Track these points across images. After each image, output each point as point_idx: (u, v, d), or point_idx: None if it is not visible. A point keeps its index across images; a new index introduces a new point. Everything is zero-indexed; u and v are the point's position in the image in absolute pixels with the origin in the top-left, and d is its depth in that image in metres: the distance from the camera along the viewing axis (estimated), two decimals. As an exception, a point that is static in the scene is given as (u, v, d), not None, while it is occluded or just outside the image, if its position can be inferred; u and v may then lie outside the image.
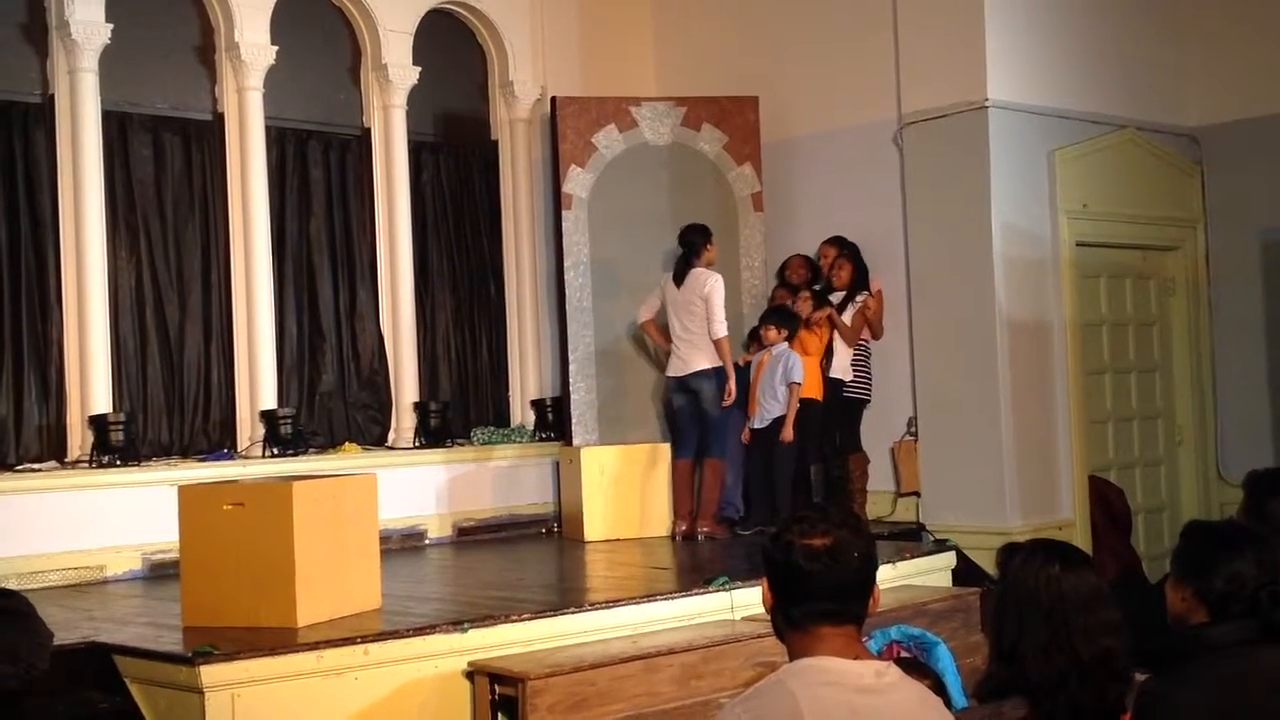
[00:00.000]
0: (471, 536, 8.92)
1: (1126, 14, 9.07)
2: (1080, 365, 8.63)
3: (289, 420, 8.35)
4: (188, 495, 5.89)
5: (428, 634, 5.49)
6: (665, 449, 8.75)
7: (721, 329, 8.23)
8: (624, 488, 8.68)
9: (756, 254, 9.26)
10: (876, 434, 8.73)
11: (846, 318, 8.60)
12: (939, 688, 3.73)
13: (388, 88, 9.11)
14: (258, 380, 8.39)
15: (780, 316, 8.58)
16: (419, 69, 9.21)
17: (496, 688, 5.40)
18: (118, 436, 7.68)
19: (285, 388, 8.61)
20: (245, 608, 5.58)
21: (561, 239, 9.09)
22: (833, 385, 8.60)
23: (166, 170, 8.33)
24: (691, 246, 8.39)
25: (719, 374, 8.28)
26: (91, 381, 7.76)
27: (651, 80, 10.17)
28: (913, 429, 8.63)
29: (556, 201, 9.17)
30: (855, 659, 2.54)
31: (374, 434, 9.06)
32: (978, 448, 8.23)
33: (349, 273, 9.01)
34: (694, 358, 8.32)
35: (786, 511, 7.77)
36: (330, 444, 8.75)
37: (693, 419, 8.47)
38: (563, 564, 8.22)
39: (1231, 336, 9.39)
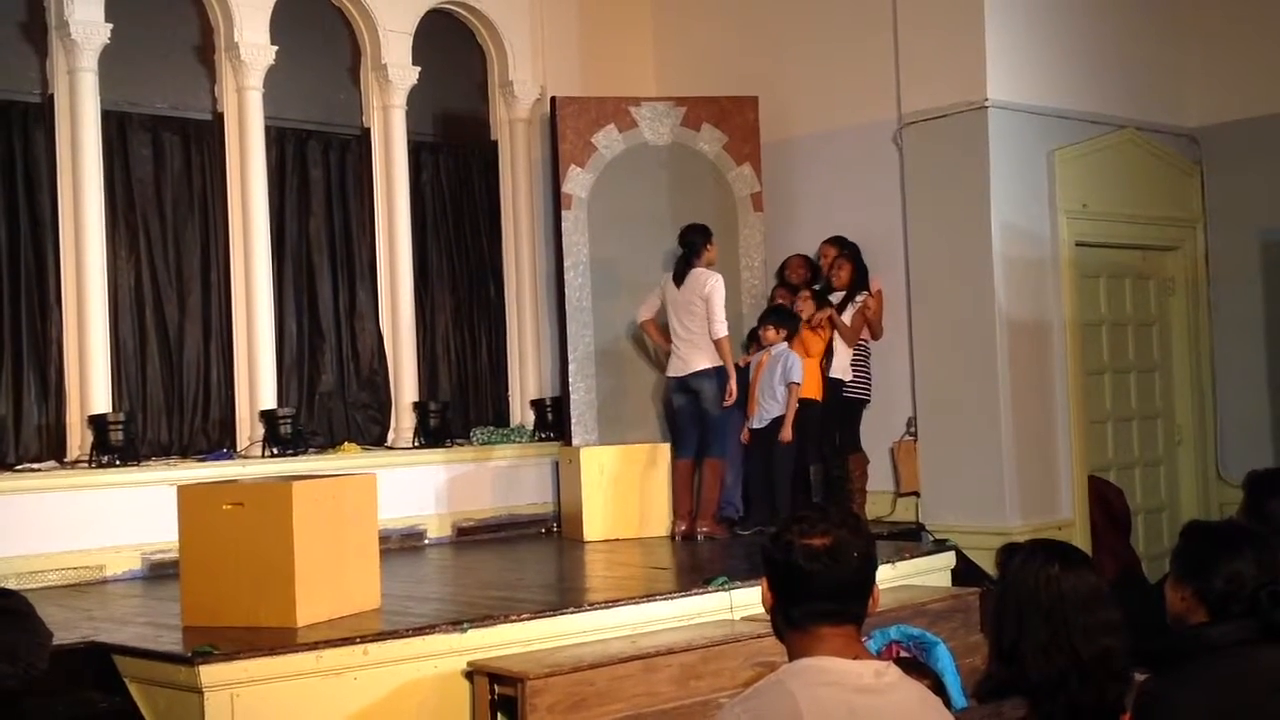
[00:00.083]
0: (471, 536, 8.92)
1: (1126, 14, 9.08)
2: (1080, 365, 8.63)
3: (288, 420, 8.35)
4: (187, 495, 5.89)
5: (427, 634, 5.49)
6: (664, 449, 8.75)
7: (722, 329, 8.23)
8: (623, 488, 8.68)
9: (756, 254, 9.26)
10: (876, 434, 8.74)
11: (846, 318, 8.60)
12: (938, 688, 3.73)
13: (387, 88, 9.11)
14: (257, 380, 8.39)
15: (779, 316, 8.58)
16: (418, 69, 9.21)
17: (496, 688, 5.40)
18: (117, 436, 7.68)
19: (285, 387, 8.61)
20: (245, 608, 5.58)
21: (561, 239, 9.09)
22: (832, 385, 8.60)
23: (166, 170, 8.33)
24: (692, 246, 8.39)
25: (719, 374, 8.28)
26: (91, 381, 7.75)
27: (651, 80, 10.17)
28: (912, 429, 8.63)
29: (556, 201, 9.17)
30: (855, 659, 2.54)
31: (373, 434, 9.06)
32: (977, 448, 8.23)
33: (348, 273, 9.01)
34: (694, 358, 8.32)
35: (786, 511, 7.77)
36: (330, 444, 8.74)
37: (693, 419, 8.47)
38: (562, 564, 8.21)
39: (1231, 336, 9.39)
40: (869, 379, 8.72)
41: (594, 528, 8.61)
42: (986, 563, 7.22)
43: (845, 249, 8.80)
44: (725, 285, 8.35)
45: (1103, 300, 9.14)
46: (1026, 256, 8.38)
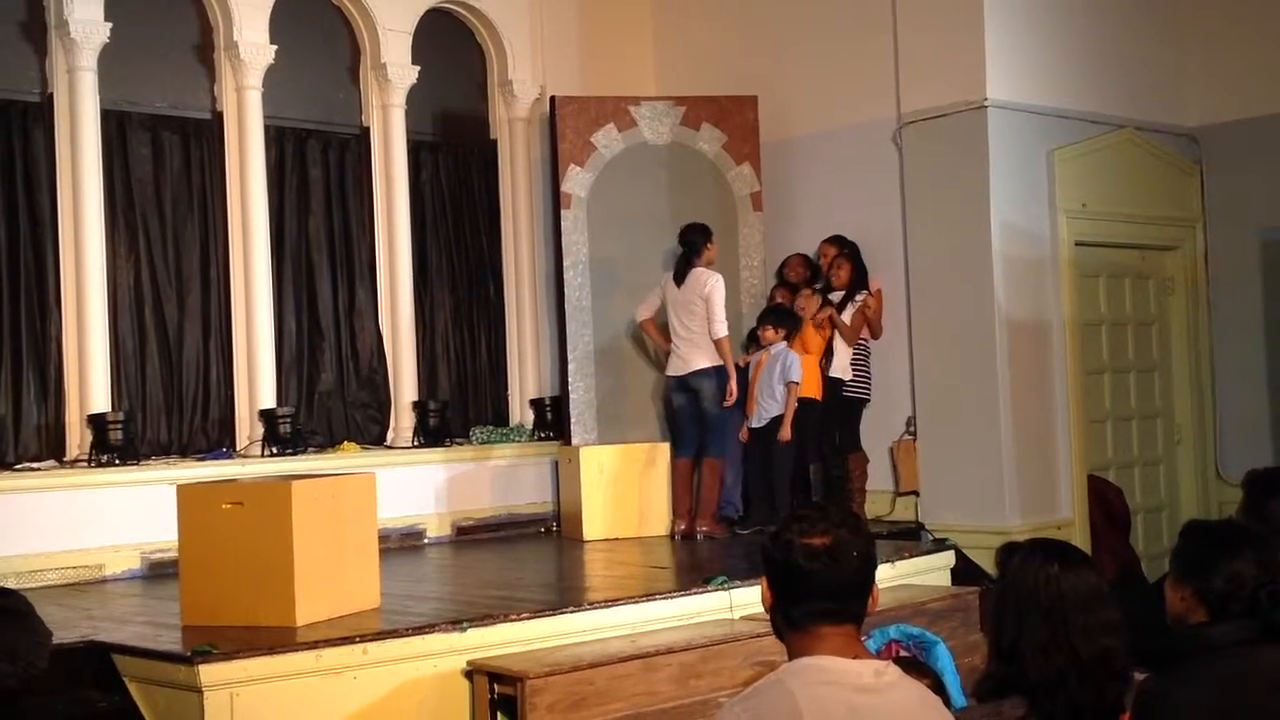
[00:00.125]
0: (470, 536, 8.92)
1: (1126, 14, 9.08)
2: (1079, 365, 8.63)
3: (288, 419, 8.35)
4: (186, 494, 5.89)
5: (427, 633, 5.49)
6: (664, 448, 8.75)
7: (722, 329, 8.23)
8: (623, 487, 8.68)
9: (755, 253, 9.26)
10: (875, 433, 8.73)
11: (846, 317, 8.60)
12: (938, 687, 3.72)
13: (387, 87, 9.11)
14: (256, 379, 8.39)
15: (778, 316, 8.58)
16: (418, 68, 9.21)
17: (495, 687, 5.41)
18: (116, 435, 7.68)
19: (284, 387, 8.61)
20: (244, 607, 5.58)
21: (560, 238, 9.09)
22: (832, 384, 8.60)
23: (165, 169, 8.33)
24: (692, 246, 8.39)
25: (719, 373, 8.28)
26: (90, 380, 7.75)
27: (651, 80, 10.17)
28: (912, 428, 8.63)
29: (555, 201, 9.17)
30: (854, 658, 2.54)
31: (373, 433, 9.06)
32: (977, 447, 8.23)
33: (348, 272, 9.01)
34: (694, 357, 8.32)
35: (785, 511, 7.77)
36: (329, 443, 8.74)
37: (692, 418, 8.46)
38: (562, 563, 8.22)
39: (1230, 336, 9.39)
40: (869, 378, 8.72)
41: (593, 527, 8.61)
42: (986, 562, 7.22)
43: (845, 248, 8.80)
44: (725, 285, 8.35)
45: (1102, 300, 9.14)
46: (1026, 256, 8.38)
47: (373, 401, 9.08)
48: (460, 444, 9.18)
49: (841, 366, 8.62)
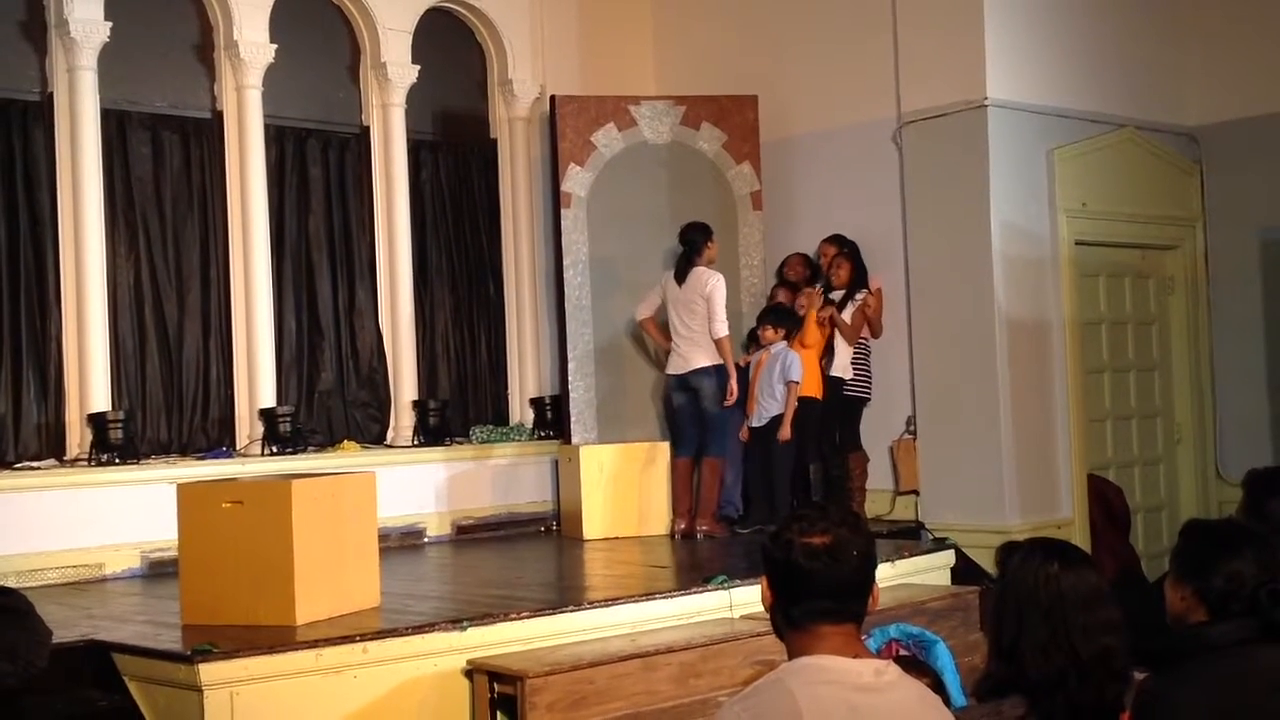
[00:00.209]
0: (470, 535, 8.93)
1: (1126, 13, 9.07)
2: (1079, 364, 8.63)
3: (288, 418, 8.35)
4: (186, 493, 5.89)
5: (427, 632, 5.49)
6: (664, 447, 8.75)
7: (722, 328, 8.23)
8: (623, 486, 8.69)
9: (755, 252, 9.26)
10: (875, 432, 8.74)
11: (846, 316, 8.60)
12: (938, 686, 3.72)
13: (387, 86, 9.10)
14: (256, 378, 8.39)
15: (777, 315, 8.59)
16: (418, 67, 9.20)
17: (495, 686, 5.41)
18: (116, 434, 7.68)
19: (284, 386, 8.61)
20: (244, 606, 5.58)
21: (560, 237, 9.09)
22: (833, 384, 8.60)
23: (165, 168, 8.33)
24: (692, 245, 8.39)
25: (719, 372, 8.28)
26: (90, 379, 7.75)
27: (651, 79, 10.17)
28: (912, 427, 8.63)
29: (555, 200, 9.17)
30: (854, 657, 2.53)
31: (373, 432, 9.06)
32: (977, 446, 8.23)
33: (348, 271, 9.01)
34: (694, 356, 8.32)
35: (785, 510, 7.77)
36: (329, 442, 8.75)
37: (692, 418, 8.46)
38: (561, 562, 8.22)
39: (1230, 335, 9.39)
40: (869, 377, 8.72)
41: (593, 526, 8.61)
42: (986, 561, 7.22)
43: (844, 248, 8.80)
44: (725, 284, 8.34)
45: (1102, 299, 9.14)
46: (1026, 255, 8.38)
47: (373, 400, 9.08)
48: (460, 443, 9.18)
49: (842, 366, 8.62)
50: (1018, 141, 8.36)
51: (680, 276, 8.38)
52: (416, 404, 9.05)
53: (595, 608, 6.07)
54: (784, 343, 8.45)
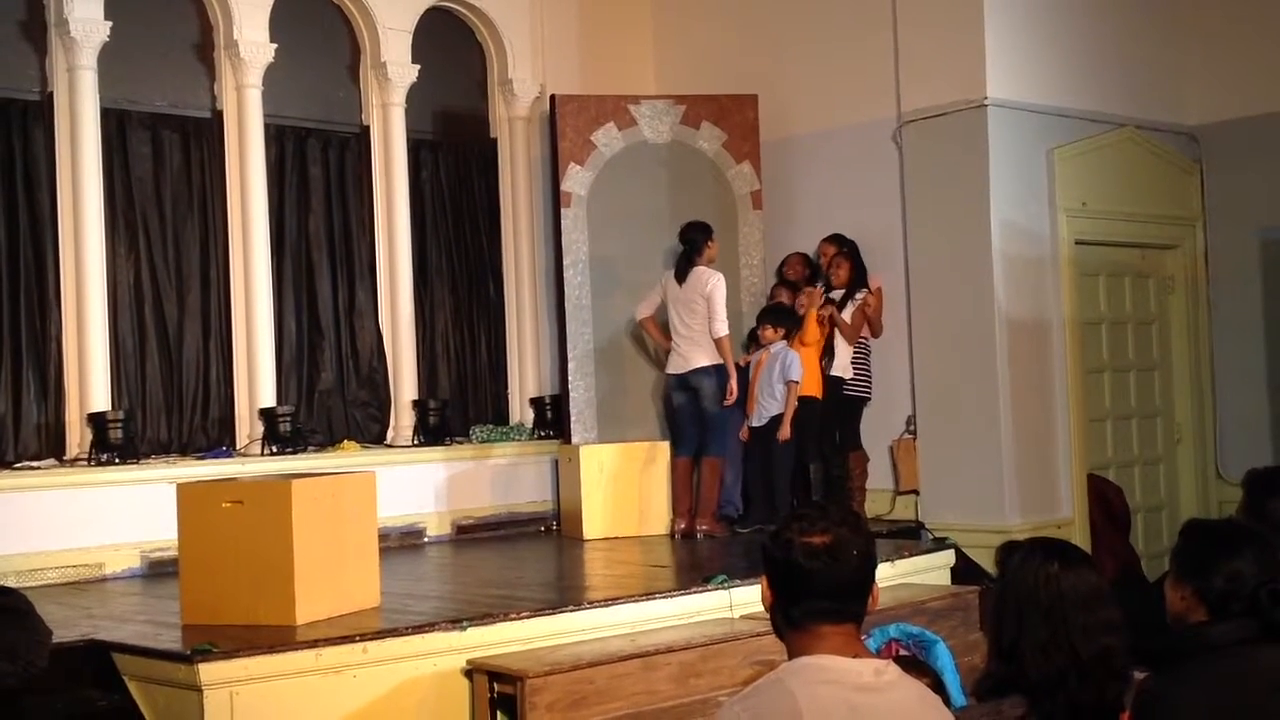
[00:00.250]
0: (470, 534, 8.92)
1: (1126, 13, 9.07)
2: (1079, 364, 8.63)
3: (288, 418, 8.35)
4: (186, 493, 5.88)
5: (426, 632, 5.49)
6: (664, 447, 8.75)
7: (723, 328, 8.23)
8: (623, 486, 8.68)
9: (755, 252, 9.26)
10: (875, 432, 8.74)
11: (846, 315, 8.60)
12: (938, 686, 3.72)
13: (387, 85, 9.10)
14: (256, 378, 8.39)
15: (777, 315, 8.59)
16: (418, 67, 9.20)
17: (495, 686, 5.40)
18: (116, 434, 7.68)
19: (284, 385, 8.61)
20: (244, 605, 5.58)
21: (560, 237, 9.09)
22: (833, 383, 8.60)
23: (165, 168, 8.33)
24: (693, 244, 8.39)
25: (719, 371, 8.28)
26: (90, 379, 7.75)
27: (651, 78, 10.17)
28: (911, 427, 8.63)
29: (555, 199, 9.17)
30: (854, 657, 2.53)
31: (373, 432, 9.06)
32: (976, 446, 8.23)
33: (348, 271, 9.01)
34: (694, 355, 8.32)
35: (785, 510, 7.77)
36: (329, 442, 8.75)
37: (692, 417, 8.46)
38: (561, 562, 8.22)
39: (1230, 335, 9.39)
40: (869, 377, 8.72)
41: (593, 526, 8.61)
42: (986, 561, 7.22)
43: (844, 247, 8.80)
44: (725, 283, 8.34)
45: (1102, 298, 9.14)
46: (1026, 255, 8.38)
47: (373, 400, 9.08)
48: (460, 443, 9.18)
49: (842, 365, 8.62)
50: (1018, 141, 8.35)
51: (681, 276, 8.38)
52: (416, 404, 9.05)
53: (595, 607, 6.07)
54: (784, 342, 8.46)
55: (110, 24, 7.89)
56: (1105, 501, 8.71)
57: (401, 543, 8.49)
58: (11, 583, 6.22)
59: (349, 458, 8.53)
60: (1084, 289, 8.84)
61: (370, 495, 6.12)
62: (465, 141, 9.75)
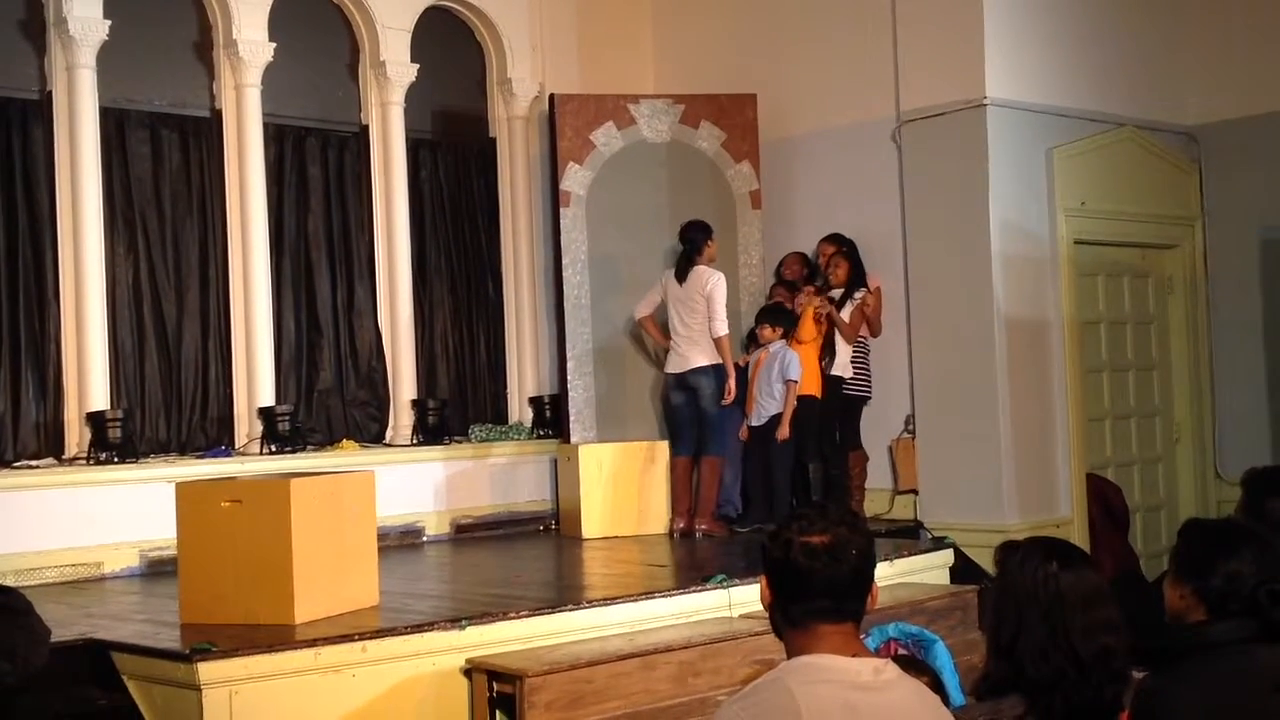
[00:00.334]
0: (469, 534, 8.92)
1: (1126, 12, 9.07)
2: (1078, 363, 8.63)
3: (287, 417, 8.35)
4: (185, 492, 5.88)
5: (426, 631, 5.49)
6: (663, 446, 8.75)
7: (722, 327, 8.24)
8: (622, 485, 8.68)
9: (754, 251, 9.26)
10: (874, 431, 8.74)
11: (845, 315, 8.60)
12: (937, 685, 3.73)
13: (386, 85, 9.10)
14: (255, 377, 8.39)
15: (775, 315, 8.60)
16: (417, 66, 9.20)
17: (494, 685, 5.40)
18: (115, 433, 7.68)
19: (283, 385, 8.60)
20: (243, 605, 5.58)
21: (560, 236, 9.09)
22: (832, 383, 8.60)
23: (164, 167, 8.33)
24: (693, 244, 8.39)
25: (717, 371, 8.28)
26: (89, 378, 7.75)
27: (650, 78, 10.17)
28: (911, 426, 8.63)
29: (555, 199, 9.17)
30: (853, 656, 2.54)
31: (372, 431, 9.06)
32: (976, 445, 8.23)
33: (347, 270, 9.01)
34: (693, 354, 8.32)
35: (784, 509, 7.78)
36: (328, 441, 8.75)
37: (691, 417, 8.46)
38: (560, 561, 8.22)
39: (1229, 334, 9.39)
40: (869, 376, 8.73)
41: (592, 525, 8.61)
42: (985, 560, 7.21)
43: (842, 246, 8.80)
44: (725, 283, 8.34)
45: (1101, 298, 9.14)
46: (1025, 254, 8.38)
47: (372, 399, 9.08)
48: (459, 442, 9.18)
49: (842, 365, 8.62)
50: (1017, 140, 8.35)
51: (681, 275, 8.38)
52: (415, 403, 9.05)
53: (594, 607, 6.07)
54: (783, 341, 8.46)
55: (109, 23, 7.89)
56: (1104, 501, 8.72)
57: (400, 542, 8.49)
58: (10, 582, 6.22)
59: (348, 457, 8.53)
60: (1083, 288, 8.84)
61: (369, 494, 6.12)
62: (464, 141, 9.75)
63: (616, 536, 8.53)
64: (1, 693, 3.03)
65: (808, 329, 8.53)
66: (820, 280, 8.89)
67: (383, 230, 9.10)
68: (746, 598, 6.20)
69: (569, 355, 9.03)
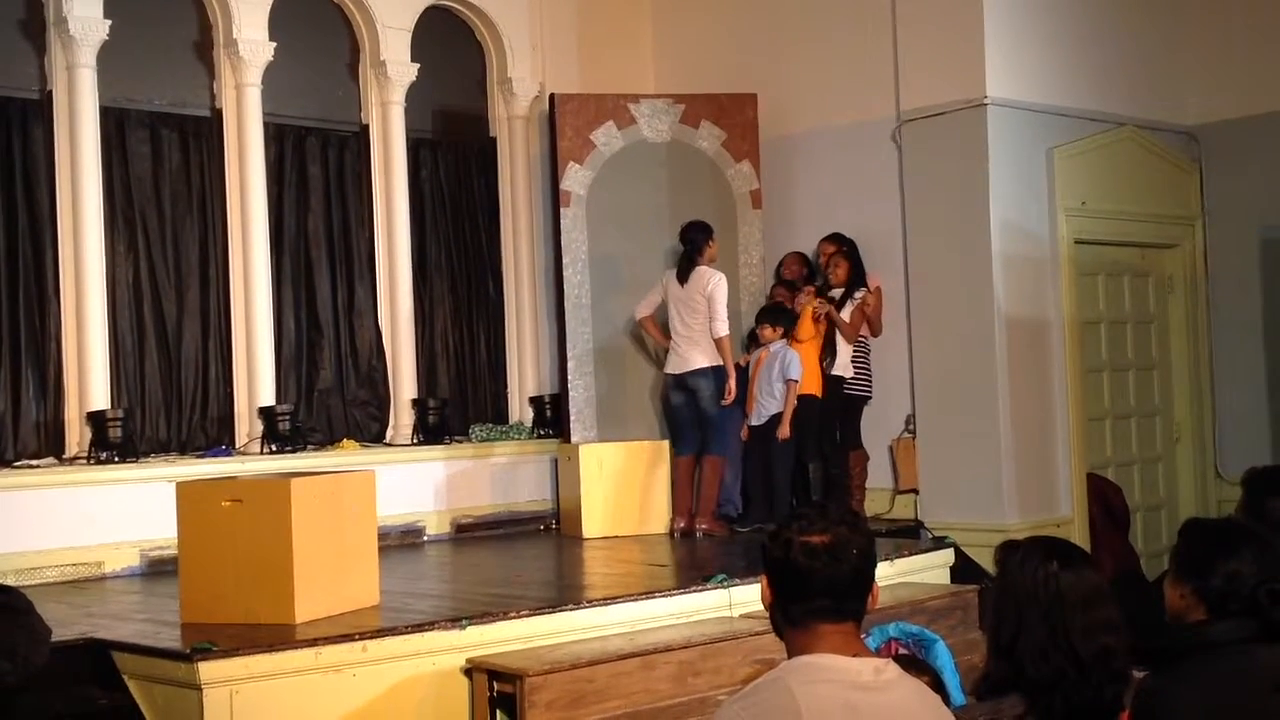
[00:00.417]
0: (470, 533, 8.92)
1: (1126, 12, 9.08)
2: (1078, 363, 8.63)
3: (287, 417, 8.35)
4: (186, 492, 5.88)
5: (426, 631, 5.49)
6: (663, 446, 8.76)
7: (723, 328, 8.24)
8: (622, 484, 8.68)
9: (755, 251, 9.26)
10: (875, 431, 8.74)
11: (845, 314, 8.60)
12: (937, 685, 3.73)
13: (386, 84, 9.10)
14: (256, 376, 8.39)
15: (775, 314, 8.60)
16: (417, 66, 9.20)
17: (495, 684, 5.40)
18: (116, 433, 7.68)
19: (283, 384, 8.60)
20: (243, 604, 5.58)
21: (560, 236, 9.09)
22: (833, 382, 8.60)
23: (164, 166, 8.33)
24: (694, 244, 8.39)
25: (717, 373, 8.28)
26: (89, 378, 7.75)
27: (650, 77, 10.17)
28: (911, 426, 8.63)
29: (555, 198, 9.17)
30: (854, 656, 2.54)
31: (372, 430, 9.06)
32: (976, 445, 8.23)
33: (347, 269, 9.01)
34: (693, 355, 8.32)
35: (784, 509, 7.78)
36: (328, 440, 8.74)
37: (691, 417, 8.47)
38: (561, 561, 8.22)
39: (1229, 334, 9.39)
40: (869, 376, 8.73)
41: (593, 524, 8.61)
42: (985, 560, 7.22)
43: (842, 246, 8.80)
44: (727, 283, 8.34)
45: (1101, 298, 9.14)
46: (1025, 254, 8.38)
47: (372, 399, 9.08)
48: (459, 441, 9.18)
49: (842, 364, 8.62)
50: (1017, 140, 8.35)
51: (683, 276, 8.38)
52: (416, 402, 9.05)
53: (594, 606, 6.07)
54: (783, 341, 8.46)
55: (109, 22, 7.89)
56: (1104, 500, 8.72)
57: (401, 541, 8.49)
58: (11, 581, 6.21)
59: (348, 456, 8.53)
60: (1083, 288, 8.84)
61: (370, 494, 6.12)
62: (465, 140, 9.74)
63: (617, 536, 8.53)
64: (2, 692, 3.03)
65: (806, 328, 8.53)
66: (820, 280, 8.89)
67: (383, 230, 9.10)
68: (747, 597, 6.20)
69: (569, 355, 9.03)
